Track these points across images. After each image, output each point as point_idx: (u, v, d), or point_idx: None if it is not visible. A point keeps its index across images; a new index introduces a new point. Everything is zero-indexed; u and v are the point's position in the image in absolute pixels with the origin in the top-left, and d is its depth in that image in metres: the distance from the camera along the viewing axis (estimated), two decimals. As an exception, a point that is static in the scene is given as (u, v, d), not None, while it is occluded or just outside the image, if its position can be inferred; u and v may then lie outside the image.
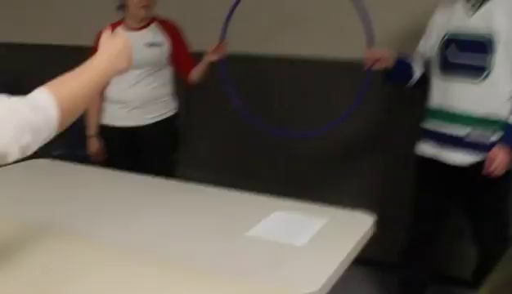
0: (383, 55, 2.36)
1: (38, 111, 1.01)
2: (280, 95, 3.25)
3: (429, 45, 2.37)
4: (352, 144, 3.09)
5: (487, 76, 2.15)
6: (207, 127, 3.41)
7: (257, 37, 3.18)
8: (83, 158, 2.72)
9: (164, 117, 2.84)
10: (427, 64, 2.41)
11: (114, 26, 2.82)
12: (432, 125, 2.34)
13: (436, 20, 2.35)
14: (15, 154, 0.98)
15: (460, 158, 2.24)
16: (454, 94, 2.24)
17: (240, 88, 2.69)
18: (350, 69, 2.61)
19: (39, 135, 1.02)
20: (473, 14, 2.18)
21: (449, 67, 2.26)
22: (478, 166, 2.17)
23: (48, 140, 1.05)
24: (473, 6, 2.18)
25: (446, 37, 2.27)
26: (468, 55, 2.20)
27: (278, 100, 3.24)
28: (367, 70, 2.38)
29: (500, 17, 2.12)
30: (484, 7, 2.16)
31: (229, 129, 3.36)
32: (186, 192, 2.08)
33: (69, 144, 2.78)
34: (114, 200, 1.97)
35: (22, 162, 1.56)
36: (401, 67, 2.42)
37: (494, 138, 2.18)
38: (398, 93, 2.74)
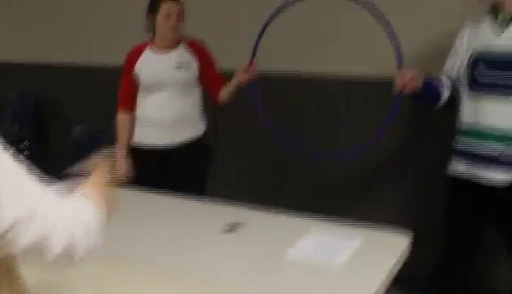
0: (413, 74, 2.33)
1: (86, 211, 1.04)
2: (308, 113, 3.26)
3: (456, 64, 2.35)
4: (383, 162, 3.09)
5: None
6: (236, 147, 3.43)
7: (284, 56, 3.21)
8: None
9: (195, 136, 2.85)
10: (454, 84, 2.39)
11: (141, 47, 2.87)
12: (463, 144, 2.32)
13: (462, 40, 2.34)
14: (59, 245, 0.95)
15: (494, 176, 2.21)
16: (484, 112, 2.22)
17: (269, 107, 2.70)
18: (379, 86, 2.61)
19: (88, 236, 1.01)
20: (502, 33, 2.18)
21: (478, 86, 2.24)
22: (512, 185, 2.15)
23: (90, 249, 1.02)
24: (501, 25, 2.18)
25: (474, 56, 2.26)
26: (497, 73, 2.18)
27: (305, 119, 3.25)
28: (397, 94, 2.35)
29: None
30: None
31: (259, 148, 3.37)
32: (216, 214, 2.09)
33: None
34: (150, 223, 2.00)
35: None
36: (429, 89, 2.37)
37: None
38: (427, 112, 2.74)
